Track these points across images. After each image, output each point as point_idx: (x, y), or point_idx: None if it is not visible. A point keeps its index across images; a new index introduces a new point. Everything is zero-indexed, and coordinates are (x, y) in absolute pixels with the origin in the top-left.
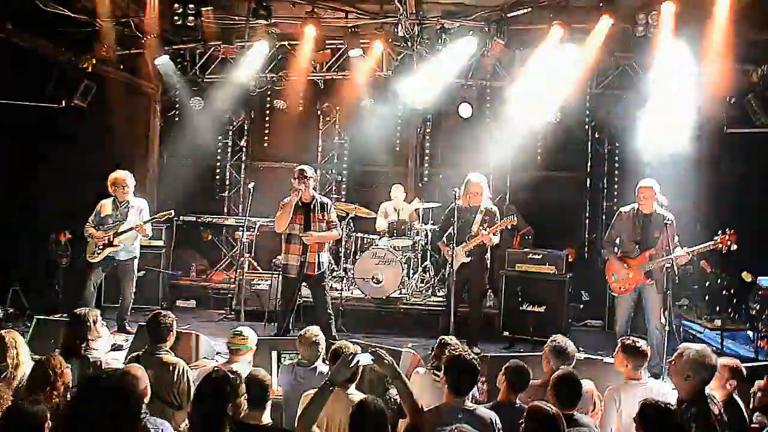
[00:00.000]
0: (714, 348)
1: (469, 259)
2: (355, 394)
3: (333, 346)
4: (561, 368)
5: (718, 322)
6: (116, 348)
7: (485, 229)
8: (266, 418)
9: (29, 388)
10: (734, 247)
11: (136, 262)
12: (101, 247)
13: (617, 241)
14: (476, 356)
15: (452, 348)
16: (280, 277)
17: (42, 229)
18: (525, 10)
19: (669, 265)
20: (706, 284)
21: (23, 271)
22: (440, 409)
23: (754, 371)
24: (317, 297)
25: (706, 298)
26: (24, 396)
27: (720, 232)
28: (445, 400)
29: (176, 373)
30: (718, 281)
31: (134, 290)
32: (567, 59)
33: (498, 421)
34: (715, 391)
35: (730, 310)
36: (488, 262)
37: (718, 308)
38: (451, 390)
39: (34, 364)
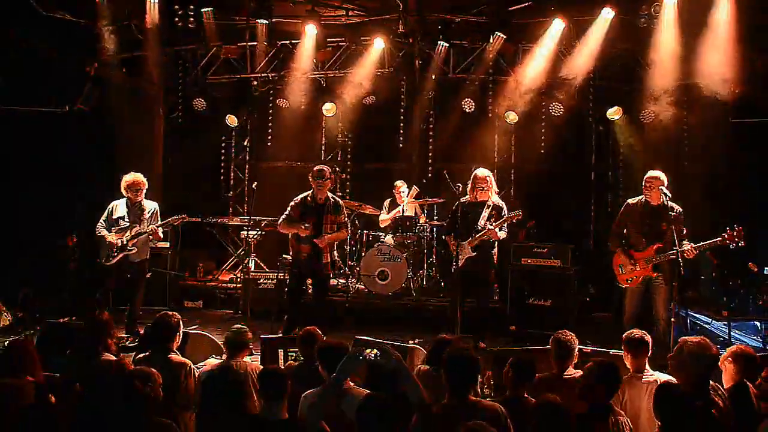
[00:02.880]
0: (722, 339)
1: (475, 253)
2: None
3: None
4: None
5: (725, 313)
6: (126, 349)
7: (492, 224)
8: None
9: None
10: (742, 243)
11: (147, 264)
12: (115, 251)
13: (624, 233)
14: (482, 350)
15: (451, 344)
16: (289, 273)
17: (49, 232)
18: (526, 4)
19: (676, 257)
20: (713, 275)
21: (32, 275)
22: (443, 407)
23: (763, 360)
24: (319, 292)
25: (713, 288)
26: None
27: (728, 228)
28: (447, 397)
29: (183, 373)
30: (725, 272)
31: (144, 292)
32: (569, 52)
33: (504, 411)
34: (724, 377)
35: (737, 300)
36: (495, 257)
37: (725, 299)
38: (451, 387)
39: None
